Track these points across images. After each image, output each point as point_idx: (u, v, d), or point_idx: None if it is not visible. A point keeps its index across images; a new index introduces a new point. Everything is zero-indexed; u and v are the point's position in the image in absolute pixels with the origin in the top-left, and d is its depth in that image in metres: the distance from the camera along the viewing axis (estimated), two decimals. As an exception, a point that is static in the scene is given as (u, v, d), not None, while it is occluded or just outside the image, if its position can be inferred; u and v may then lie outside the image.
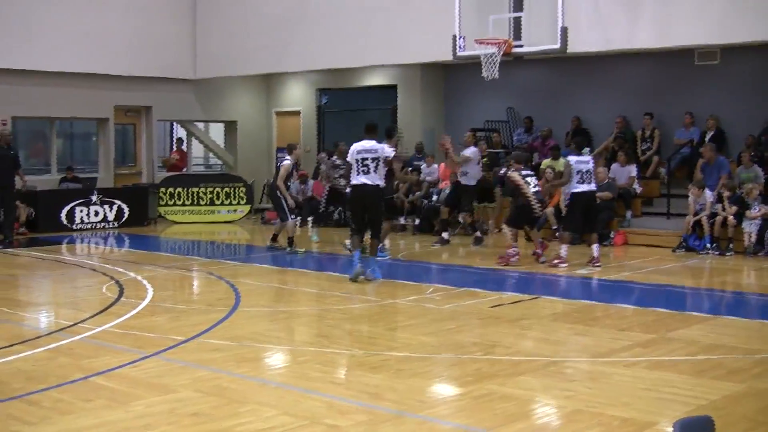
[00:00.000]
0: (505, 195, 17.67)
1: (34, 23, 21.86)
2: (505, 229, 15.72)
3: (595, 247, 15.13)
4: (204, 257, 17.79)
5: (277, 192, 16.98)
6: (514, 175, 15.51)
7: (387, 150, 13.34)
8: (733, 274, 15.01)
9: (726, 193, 16.96)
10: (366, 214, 13.55)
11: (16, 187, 19.10)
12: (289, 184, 17.53)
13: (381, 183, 13.42)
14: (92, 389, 7.61)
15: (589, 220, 15.41)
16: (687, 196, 17.65)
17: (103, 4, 23.10)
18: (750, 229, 16.57)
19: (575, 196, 15.23)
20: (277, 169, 17.62)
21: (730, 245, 16.71)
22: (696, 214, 17.09)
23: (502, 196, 18.09)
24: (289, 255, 16.76)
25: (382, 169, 13.40)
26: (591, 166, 15.37)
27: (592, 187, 15.39)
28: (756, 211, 16.60)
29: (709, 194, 17.15)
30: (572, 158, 15.28)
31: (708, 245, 16.77)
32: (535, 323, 10.55)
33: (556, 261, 15.05)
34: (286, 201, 16.90)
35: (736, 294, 13.51)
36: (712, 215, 16.95)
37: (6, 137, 18.97)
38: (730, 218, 16.69)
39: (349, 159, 13.46)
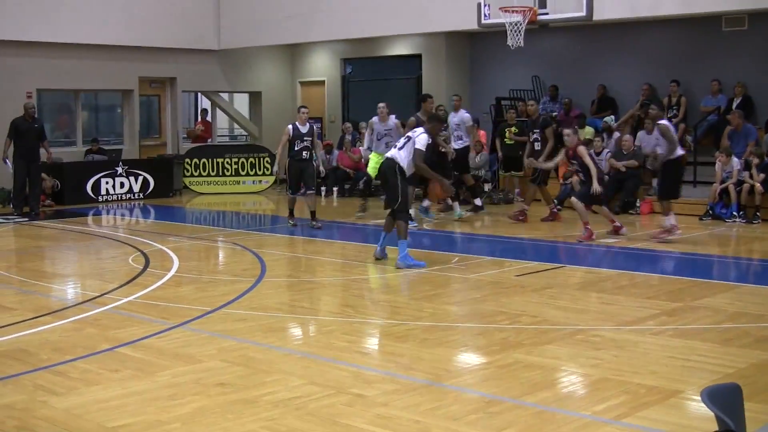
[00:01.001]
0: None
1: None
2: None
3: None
4: (229, 228, 17.84)
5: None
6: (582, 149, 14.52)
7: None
8: (759, 242, 14.91)
9: (755, 161, 16.83)
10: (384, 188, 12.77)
11: (41, 159, 19.18)
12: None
13: (402, 162, 12.13)
14: (119, 360, 7.66)
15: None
16: (714, 164, 17.52)
17: (127, -24, 23.13)
18: (778, 196, 16.47)
19: (676, 162, 14.28)
20: None
21: (757, 213, 16.61)
22: (723, 181, 16.97)
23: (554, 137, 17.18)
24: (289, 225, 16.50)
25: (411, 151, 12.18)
26: None
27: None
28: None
29: (736, 162, 17.02)
30: (666, 122, 14.37)
31: (735, 213, 16.67)
32: (560, 292, 10.52)
33: (663, 235, 14.13)
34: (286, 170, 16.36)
35: (763, 262, 13.42)
36: (739, 183, 16.83)
37: (29, 110, 19.01)
38: (758, 186, 16.56)
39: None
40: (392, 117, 17.03)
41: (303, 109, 16.59)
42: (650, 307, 9.58)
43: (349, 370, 7.30)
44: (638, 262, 12.88)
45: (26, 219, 18.03)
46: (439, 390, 6.79)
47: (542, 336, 8.37)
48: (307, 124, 16.33)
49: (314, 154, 16.49)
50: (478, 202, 18.10)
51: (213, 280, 11.68)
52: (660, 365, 7.34)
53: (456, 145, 17.52)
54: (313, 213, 16.43)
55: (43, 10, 21.63)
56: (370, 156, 17.16)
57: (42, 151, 19.09)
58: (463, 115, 17.88)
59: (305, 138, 16.10)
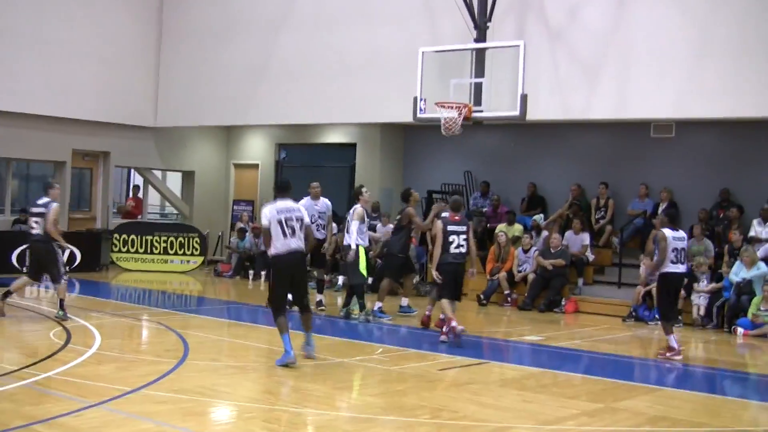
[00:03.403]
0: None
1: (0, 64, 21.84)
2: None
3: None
4: (154, 307, 17.65)
5: (53, 243, 14.53)
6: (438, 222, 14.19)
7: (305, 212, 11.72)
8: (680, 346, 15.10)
9: (678, 266, 17.17)
10: (294, 282, 11.63)
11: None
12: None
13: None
14: (33, 438, 7.51)
15: (676, 303, 14.06)
16: (638, 266, 17.83)
17: (69, 48, 23.07)
18: (698, 302, 16.77)
19: (668, 278, 13.36)
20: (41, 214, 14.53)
21: (679, 317, 16.86)
22: (646, 284, 17.23)
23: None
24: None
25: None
26: (686, 243, 13.63)
27: (685, 268, 13.74)
28: (704, 285, 16.79)
29: (660, 266, 17.34)
30: (668, 232, 13.27)
31: (657, 316, 16.90)
32: (483, 388, 10.54)
33: (669, 354, 13.16)
34: (61, 253, 14.72)
35: (683, 366, 13.59)
36: (663, 286, 17.13)
37: None
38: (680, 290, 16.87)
39: (266, 221, 11.32)
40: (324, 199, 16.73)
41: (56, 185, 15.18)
42: (571, 407, 9.64)
43: (268, 458, 7.23)
44: (562, 361, 12.98)
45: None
46: (356, 483, 6.75)
47: (462, 432, 8.38)
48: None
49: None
50: (318, 297, 16.95)
51: (135, 359, 11.54)
52: (577, 467, 7.38)
53: (319, 235, 16.31)
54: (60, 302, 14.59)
55: (-20, 77, 21.53)
56: None
57: None
58: (327, 203, 16.81)
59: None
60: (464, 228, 13.72)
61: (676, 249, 13.16)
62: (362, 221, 15.90)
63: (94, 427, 7.89)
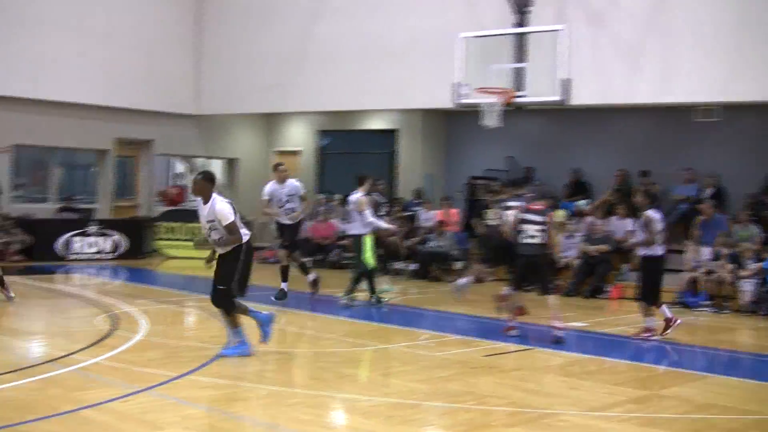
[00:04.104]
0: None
1: (43, 53, 21.95)
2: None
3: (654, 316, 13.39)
4: (199, 293, 17.70)
5: None
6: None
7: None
8: (728, 333, 14.97)
9: (724, 251, 16.99)
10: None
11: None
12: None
13: None
14: (81, 422, 7.57)
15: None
16: (683, 252, 17.66)
17: (110, 38, 23.22)
18: (746, 287, 16.57)
19: (654, 261, 13.18)
20: None
21: (726, 303, 16.71)
22: (693, 270, 17.08)
23: None
24: None
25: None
26: (663, 225, 13.39)
27: (663, 250, 13.43)
28: (749, 270, 16.61)
29: (706, 251, 17.18)
30: (655, 214, 13.05)
31: (703, 302, 16.76)
32: (528, 374, 10.51)
33: (645, 335, 13.16)
34: None
35: (732, 353, 13.45)
36: (709, 272, 16.96)
37: None
38: (727, 276, 16.70)
39: (233, 216, 11.28)
40: (292, 180, 16.14)
41: None
42: (617, 393, 9.57)
43: (314, 444, 7.23)
44: (607, 348, 12.88)
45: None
46: (403, 468, 6.73)
47: (509, 418, 8.34)
48: None
49: None
50: (284, 286, 16.20)
51: (180, 345, 11.61)
52: (625, 453, 7.32)
53: (288, 220, 16.04)
54: None
55: (27, 67, 21.66)
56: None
57: None
58: (295, 184, 16.19)
59: None
60: (540, 218, 12.89)
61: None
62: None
63: (143, 412, 7.95)
